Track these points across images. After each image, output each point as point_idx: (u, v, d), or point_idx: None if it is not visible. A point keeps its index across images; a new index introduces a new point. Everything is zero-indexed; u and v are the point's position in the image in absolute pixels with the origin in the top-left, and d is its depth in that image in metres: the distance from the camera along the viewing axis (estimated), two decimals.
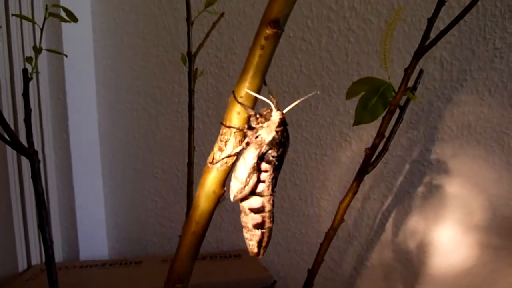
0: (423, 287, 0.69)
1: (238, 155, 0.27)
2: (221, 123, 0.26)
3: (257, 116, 0.26)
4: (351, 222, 0.71)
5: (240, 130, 0.25)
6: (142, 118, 0.79)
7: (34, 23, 0.48)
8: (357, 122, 0.36)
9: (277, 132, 0.27)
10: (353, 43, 0.66)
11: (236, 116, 0.25)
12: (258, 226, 0.29)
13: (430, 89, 0.64)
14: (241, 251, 0.73)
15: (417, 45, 0.36)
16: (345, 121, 0.68)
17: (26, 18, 0.48)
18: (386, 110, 0.36)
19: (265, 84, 0.25)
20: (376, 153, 0.38)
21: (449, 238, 0.66)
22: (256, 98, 0.25)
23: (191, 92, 0.50)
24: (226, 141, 0.25)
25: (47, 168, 0.73)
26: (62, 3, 0.67)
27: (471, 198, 0.64)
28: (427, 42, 0.34)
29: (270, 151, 0.27)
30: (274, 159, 0.27)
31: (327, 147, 0.70)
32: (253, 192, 0.28)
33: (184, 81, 0.75)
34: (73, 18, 0.49)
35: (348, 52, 0.66)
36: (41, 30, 0.47)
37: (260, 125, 0.27)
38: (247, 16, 0.70)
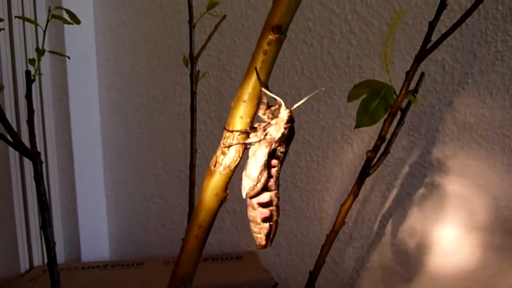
0: None
1: (245, 153, 0.28)
2: (224, 128, 0.26)
3: (266, 108, 0.27)
4: (352, 224, 0.71)
5: (243, 132, 0.26)
6: (144, 119, 0.79)
7: (37, 25, 0.48)
8: (359, 125, 0.36)
9: (285, 129, 0.28)
10: (355, 45, 0.66)
11: (239, 120, 0.25)
12: (267, 219, 0.30)
13: (431, 91, 0.64)
14: (243, 253, 0.73)
15: (418, 47, 0.36)
16: (346, 123, 0.68)
17: (29, 20, 0.48)
18: (388, 113, 0.36)
19: (267, 88, 0.25)
20: (377, 156, 0.38)
21: (450, 239, 0.66)
22: (259, 102, 0.25)
23: (193, 94, 0.51)
24: (229, 145, 0.26)
25: (49, 169, 0.74)
26: (64, 5, 0.67)
27: (473, 200, 0.64)
28: (429, 46, 0.34)
29: (279, 148, 0.28)
30: (281, 154, 0.29)
31: (329, 149, 0.70)
32: (262, 188, 0.29)
33: (186, 83, 0.75)
34: (75, 20, 0.49)
35: (349, 54, 0.67)
36: (44, 32, 0.48)
37: (268, 120, 0.27)
38: (249, 18, 0.70)
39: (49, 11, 0.47)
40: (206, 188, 0.26)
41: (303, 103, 0.29)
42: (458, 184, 0.65)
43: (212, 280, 0.63)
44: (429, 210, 0.67)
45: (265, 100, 0.26)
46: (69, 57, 0.52)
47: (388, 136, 0.39)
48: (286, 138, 0.28)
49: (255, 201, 0.29)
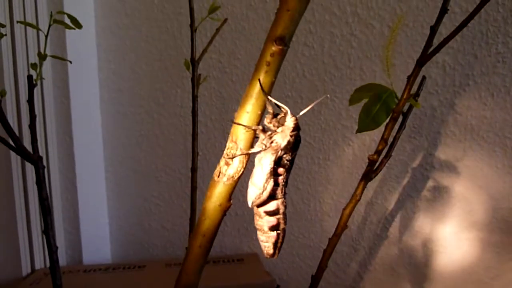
0: None
1: (249, 160, 0.28)
2: (231, 140, 0.26)
3: (273, 118, 0.27)
4: (355, 227, 0.71)
5: (252, 129, 0.26)
6: (145, 122, 0.79)
7: (39, 29, 0.48)
8: (361, 130, 0.36)
9: (291, 136, 0.28)
10: (356, 48, 0.66)
11: (242, 131, 0.25)
12: (274, 228, 0.30)
13: (433, 94, 0.64)
14: (244, 256, 0.73)
15: (419, 50, 0.36)
16: (347, 125, 0.69)
17: (31, 25, 0.49)
18: (389, 117, 0.36)
19: (269, 100, 0.25)
20: (379, 160, 0.38)
21: (452, 241, 0.66)
22: (262, 113, 0.25)
23: (194, 98, 0.51)
24: (232, 156, 0.26)
25: (50, 172, 0.74)
26: (65, 9, 0.67)
27: (475, 201, 0.64)
28: (430, 50, 0.34)
29: (285, 155, 0.28)
30: (288, 162, 0.28)
31: (330, 151, 0.70)
32: (269, 197, 0.29)
33: (187, 85, 0.75)
34: (77, 24, 0.49)
35: (350, 57, 0.67)
36: (46, 36, 0.48)
37: (274, 129, 0.27)
38: (250, 21, 0.70)
39: (51, 16, 0.47)
40: (210, 198, 0.26)
41: (309, 110, 0.29)
42: (460, 186, 0.65)
43: (213, 282, 0.63)
44: (432, 212, 0.67)
45: (270, 110, 0.26)
46: (71, 62, 0.52)
47: (390, 140, 0.39)
48: (292, 146, 0.28)
49: (261, 209, 0.29)
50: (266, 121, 0.27)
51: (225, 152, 0.26)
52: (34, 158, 0.45)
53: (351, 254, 0.72)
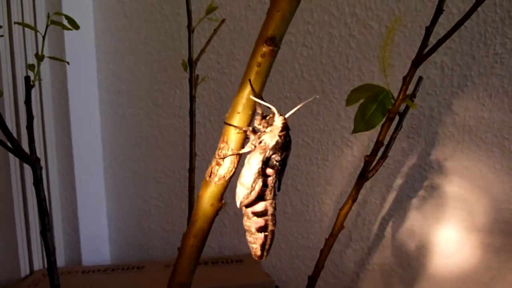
0: None
1: (240, 161, 0.27)
2: (222, 141, 0.26)
3: (261, 118, 0.27)
4: (353, 227, 0.71)
5: (243, 130, 0.26)
6: (144, 123, 0.79)
7: (36, 31, 0.49)
8: (356, 130, 0.36)
9: (280, 136, 0.28)
10: (354, 48, 0.66)
11: (233, 132, 0.25)
12: (261, 229, 0.29)
13: (431, 94, 0.64)
14: (243, 256, 0.73)
15: (417, 51, 0.36)
16: (346, 126, 0.69)
17: (28, 26, 0.49)
18: (385, 117, 0.36)
19: (262, 99, 0.25)
20: (376, 160, 0.38)
21: (450, 242, 0.66)
22: (253, 113, 0.25)
23: (192, 98, 0.51)
24: (223, 157, 0.26)
25: (49, 173, 0.74)
26: (64, 10, 0.68)
27: (472, 202, 0.64)
28: (426, 51, 0.34)
29: (274, 156, 0.28)
30: (277, 163, 0.28)
31: (329, 152, 0.70)
32: (257, 197, 0.29)
33: (185, 86, 0.75)
34: (74, 25, 0.49)
35: (349, 57, 0.67)
36: (43, 38, 0.48)
37: (263, 129, 0.27)
38: (248, 21, 0.70)
39: (49, 16, 0.47)
40: (202, 198, 0.26)
41: (296, 110, 0.29)
42: (458, 187, 0.64)
43: (212, 283, 0.63)
44: (429, 212, 0.67)
45: (259, 111, 0.26)
46: (68, 63, 0.52)
47: (386, 140, 0.39)
48: (282, 146, 0.28)
49: (249, 210, 0.29)
50: (256, 123, 0.27)
51: (216, 152, 0.26)
52: (31, 160, 0.45)
53: (349, 254, 0.72)
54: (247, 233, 0.30)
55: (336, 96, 0.68)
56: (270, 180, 0.28)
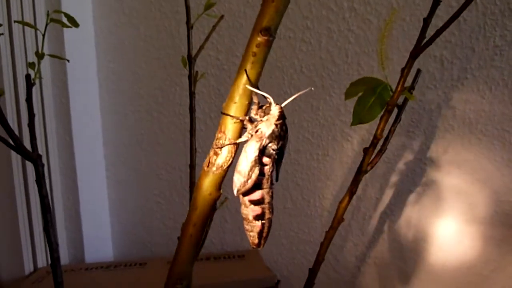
0: (427, 285, 0.69)
1: (237, 149, 0.28)
2: (219, 131, 0.26)
3: (258, 108, 0.27)
4: (354, 221, 0.71)
5: (240, 120, 0.26)
6: (145, 120, 0.80)
7: (36, 29, 0.49)
8: (355, 122, 0.36)
9: (276, 125, 0.28)
10: (353, 43, 0.66)
11: (231, 122, 0.25)
12: (258, 217, 0.30)
13: (431, 88, 0.64)
14: (245, 252, 0.73)
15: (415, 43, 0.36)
16: (346, 121, 0.69)
17: (28, 25, 0.49)
18: (384, 110, 0.36)
19: (258, 89, 0.25)
20: (375, 153, 0.38)
21: (451, 235, 0.66)
22: (249, 103, 0.25)
23: (191, 94, 0.51)
24: (221, 146, 0.26)
25: (51, 171, 0.74)
26: (63, 8, 0.68)
27: (473, 195, 0.64)
28: (423, 42, 0.34)
29: (270, 144, 0.28)
30: (274, 152, 0.28)
31: (329, 147, 0.70)
32: (254, 186, 0.29)
33: (185, 83, 0.75)
34: (74, 23, 0.49)
35: (348, 52, 0.67)
36: (43, 36, 0.48)
37: (260, 119, 0.27)
38: (247, 17, 0.70)
39: (48, 15, 0.48)
40: (200, 188, 0.26)
41: (293, 100, 0.29)
42: (459, 180, 0.65)
43: (214, 279, 0.64)
44: (430, 206, 0.67)
45: (256, 100, 0.27)
46: (68, 60, 0.52)
47: (385, 133, 0.39)
48: (278, 135, 0.28)
49: (246, 198, 0.29)
50: (252, 113, 0.27)
51: (214, 142, 0.26)
52: (33, 157, 0.46)
53: (350, 248, 0.72)
54: (244, 222, 0.30)
55: (336, 91, 0.68)
56: (267, 169, 0.29)
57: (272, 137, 0.28)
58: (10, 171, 0.65)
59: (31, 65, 0.48)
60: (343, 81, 0.68)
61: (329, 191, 0.72)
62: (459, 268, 0.66)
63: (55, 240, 0.48)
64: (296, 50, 0.69)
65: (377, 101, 0.36)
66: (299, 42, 0.68)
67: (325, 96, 0.69)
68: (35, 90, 0.70)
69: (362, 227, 0.71)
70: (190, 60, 0.51)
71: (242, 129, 0.27)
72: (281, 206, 0.74)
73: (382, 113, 0.37)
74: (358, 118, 0.36)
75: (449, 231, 0.66)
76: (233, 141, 0.26)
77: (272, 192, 0.30)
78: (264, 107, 0.28)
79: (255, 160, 0.28)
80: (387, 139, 0.39)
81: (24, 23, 0.48)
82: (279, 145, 0.28)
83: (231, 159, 0.27)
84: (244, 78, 0.24)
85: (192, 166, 0.52)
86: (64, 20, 0.48)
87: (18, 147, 0.44)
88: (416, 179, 0.67)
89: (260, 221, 0.30)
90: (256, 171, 0.28)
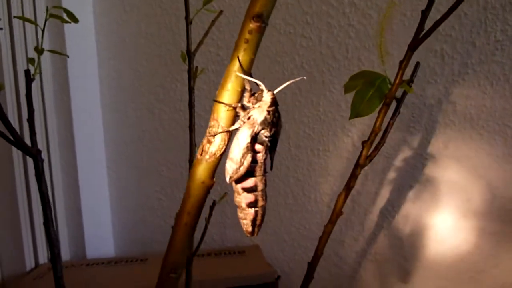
0: (426, 279, 0.69)
1: (231, 138, 0.28)
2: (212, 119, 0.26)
3: (250, 95, 0.27)
4: (354, 217, 0.71)
5: (233, 108, 0.26)
6: (145, 117, 0.80)
7: (36, 25, 0.49)
8: (353, 115, 0.36)
9: (268, 112, 0.28)
10: (354, 38, 0.66)
11: (223, 109, 0.25)
12: (252, 204, 0.30)
13: (431, 83, 0.63)
14: (245, 248, 0.73)
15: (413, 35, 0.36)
16: (346, 116, 0.68)
17: (28, 20, 0.49)
18: (382, 103, 0.36)
19: (251, 76, 0.25)
20: (373, 146, 0.38)
21: (452, 230, 0.66)
22: (242, 90, 0.25)
23: (191, 90, 0.51)
24: (214, 134, 0.26)
25: (52, 168, 0.74)
26: (64, 5, 0.68)
27: (475, 191, 0.64)
28: (421, 34, 0.34)
29: (263, 131, 0.28)
30: (266, 139, 0.28)
31: (329, 142, 0.70)
32: (246, 173, 0.29)
33: (186, 80, 0.75)
34: (73, 18, 0.49)
35: (348, 47, 0.66)
36: (42, 31, 0.48)
37: (252, 106, 0.27)
38: (239, 14, 0.70)
39: (47, 10, 0.48)
40: (193, 176, 0.26)
41: (285, 87, 0.28)
42: (460, 175, 0.64)
43: (215, 274, 0.64)
44: (431, 202, 0.66)
45: (248, 87, 0.26)
46: (68, 56, 0.52)
47: (384, 126, 0.39)
48: (271, 122, 0.28)
49: (239, 186, 0.29)
50: (245, 100, 0.27)
51: (207, 130, 0.26)
52: (33, 152, 0.46)
53: (351, 244, 0.72)
54: (238, 210, 0.30)
55: (336, 87, 0.68)
56: (259, 156, 0.29)
57: (265, 123, 0.28)
58: (11, 168, 0.65)
59: (31, 60, 0.48)
60: (343, 76, 0.68)
61: (330, 186, 0.71)
62: (459, 264, 0.66)
63: (55, 235, 0.48)
64: (297, 46, 0.69)
65: (376, 94, 0.35)
66: (299, 37, 0.68)
67: (325, 91, 0.69)
68: (36, 87, 0.70)
69: (364, 223, 0.71)
70: (190, 55, 0.51)
71: (235, 117, 0.27)
72: (282, 202, 0.74)
73: (380, 106, 0.37)
74: (356, 111, 0.35)
75: (449, 227, 0.66)
76: (226, 129, 0.26)
77: (265, 180, 0.30)
78: (256, 94, 0.28)
79: (247, 147, 0.27)
80: (385, 133, 0.38)
81: (23, 19, 0.48)
82: (272, 132, 0.28)
83: (224, 147, 0.27)
84: (236, 65, 0.24)
85: (191, 161, 0.52)
86: (64, 16, 0.48)
87: (18, 142, 0.44)
88: (417, 174, 0.66)
89: (253, 208, 0.30)
90: (249, 158, 0.28)
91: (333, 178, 0.71)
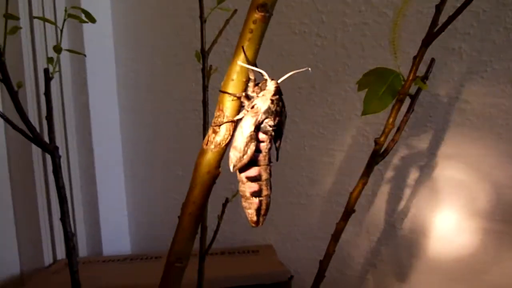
0: (434, 281, 0.67)
1: (235, 127, 0.28)
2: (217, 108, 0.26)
3: (254, 85, 0.27)
4: (368, 217, 0.70)
5: (237, 97, 0.26)
6: (161, 116, 0.81)
7: (55, 24, 0.50)
8: (365, 112, 0.36)
9: (272, 100, 0.28)
10: (369, 36, 0.65)
11: (228, 99, 0.25)
12: (256, 194, 0.30)
13: (449, 81, 0.62)
14: (259, 247, 0.73)
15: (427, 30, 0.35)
16: (362, 116, 0.68)
17: (47, 20, 0.50)
18: (395, 99, 0.36)
19: (256, 66, 0.25)
20: (386, 144, 0.37)
21: (467, 232, 0.65)
22: (247, 80, 0.25)
23: (204, 88, 0.51)
24: (219, 124, 0.26)
25: (70, 167, 0.76)
26: (83, 5, 0.69)
27: (492, 193, 0.63)
28: (435, 29, 0.33)
29: (266, 120, 0.28)
30: (270, 128, 0.28)
31: (344, 142, 0.70)
32: (250, 162, 0.29)
33: (201, 80, 0.76)
34: (91, 18, 0.51)
35: (364, 46, 0.66)
36: (61, 31, 0.49)
37: (256, 94, 0.27)
38: None
39: (65, 10, 0.49)
40: (199, 166, 0.27)
41: (289, 76, 0.29)
42: (477, 177, 0.63)
43: (228, 272, 0.64)
44: (447, 202, 0.65)
45: (252, 77, 0.27)
46: (85, 55, 0.53)
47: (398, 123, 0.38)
48: (274, 111, 0.28)
49: (243, 175, 0.29)
50: (249, 91, 0.27)
51: (212, 121, 0.27)
52: (50, 148, 0.47)
53: (363, 244, 0.71)
54: (242, 199, 0.30)
55: (351, 86, 0.68)
56: (263, 145, 0.29)
57: (268, 112, 0.28)
58: (30, 164, 0.67)
59: (49, 59, 0.50)
60: (358, 75, 0.66)
61: (344, 187, 0.71)
62: (463, 263, 0.65)
63: (70, 229, 0.49)
64: (311, 45, 0.68)
65: (388, 91, 0.35)
66: (313, 36, 0.68)
67: (340, 90, 0.68)
68: (55, 86, 0.71)
69: (376, 223, 0.70)
70: (204, 54, 0.52)
71: (240, 107, 0.27)
72: (296, 201, 0.74)
73: (394, 102, 0.36)
74: (369, 108, 0.35)
75: (466, 228, 0.65)
76: (230, 119, 0.26)
77: (270, 170, 0.29)
78: (260, 84, 0.28)
79: (250, 136, 0.27)
80: (398, 130, 0.38)
81: (43, 19, 0.49)
82: (276, 121, 0.28)
83: (229, 137, 0.27)
84: (241, 55, 0.24)
85: None
86: (83, 16, 0.49)
87: (36, 139, 0.45)
88: (433, 174, 0.65)
89: (257, 198, 0.30)
90: (252, 147, 0.28)
91: (348, 178, 0.70)
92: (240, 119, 0.27)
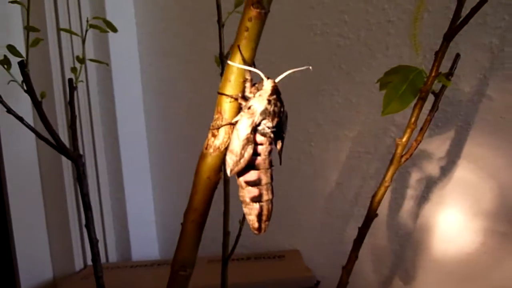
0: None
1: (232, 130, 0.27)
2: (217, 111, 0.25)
3: (252, 86, 0.26)
4: (392, 220, 0.68)
5: (234, 99, 0.25)
6: (186, 122, 0.81)
7: (78, 35, 0.52)
8: (386, 111, 0.34)
9: (269, 101, 0.26)
10: (393, 35, 0.63)
11: (226, 101, 0.25)
12: (256, 199, 0.28)
13: (479, 78, 0.60)
14: (285, 252, 0.72)
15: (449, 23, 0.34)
16: (387, 116, 0.65)
17: (72, 32, 0.52)
18: (417, 98, 0.34)
19: (254, 66, 0.24)
20: (409, 144, 0.36)
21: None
22: (244, 81, 0.24)
23: None
24: (218, 127, 0.25)
25: (99, 173, 0.77)
26: (107, 16, 0.71)
27: (498, 194, 0.60)
28: (458, 22, 0.32)
29: (264, 121, 0.27)
30: (269, 130, 0.27)
31: (370, 144, 0.68)
32: (249, 166, 0.28)
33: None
34: (112, 28, 0.52)
35: (388, 45, 0.64)
36: (83, 41, 0.51)
37: (252, 94, 0.26)
38: (280, 14, 0.69)
39: (87, 21, 0.50)
40: (199, 172, 0.26)
41: (287, 75, 0.27)
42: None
43: (254, 278, 0.63)
44: (467, 206, 0.62)
45: (248, 77, 0.25)
46: (107, 64, 0.54)
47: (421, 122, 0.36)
48: (272, 111, 0.26)
49: (242, 179, 0.28)
50: (247, 91, 0.26)
51: (211, 124, 0.26)
52: (73, 156, 0.48)
53: (386, 248, 0.69)
54: (243, 205, 0.29)
55: (376, 86, 0.66)
56: (262, 148, 0.27)
57: (266, 113, 0.26)
58: (60, 171, 0.69)
59: (73, 69, 0.51)
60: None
61: (371, 189, 0.69)
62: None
63: (95, 236, 0.50)
64: (333, 46, 0.67)
65: (409, 88, 0.33)
66: (336, 37, 0.67)
67: (364, 92, 0.67)
68: (83, 95, 0.73)
69: (403, 226, 0.67)
70: (222, 59, 0.51)
71: (239, 109, 0.26)
72: (322, 206, 0.72)
73: (415, 101, 0.35)
74: (389, 107, 0.34)
75: (487, 229, 0.61)
76: (229, 121, 0.26)
77: (271, 173, 0.28)
78: (257, 84, 0.27)
79: (247, 139, 0.26)
80: (421, 129, 0.36)
81: (67, 31, 0.51)
82: (275, 122, 0.27)
83: (228, 140, 0.26)
84: (238, 55, 0.23)
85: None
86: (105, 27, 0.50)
87: (60, 147, 0.46)
88: (463, 176, 0.62)
89: (258, 203, 0.28)
90: (249, 150, 0.26)
91: (374, 181, 0.68)
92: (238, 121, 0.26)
